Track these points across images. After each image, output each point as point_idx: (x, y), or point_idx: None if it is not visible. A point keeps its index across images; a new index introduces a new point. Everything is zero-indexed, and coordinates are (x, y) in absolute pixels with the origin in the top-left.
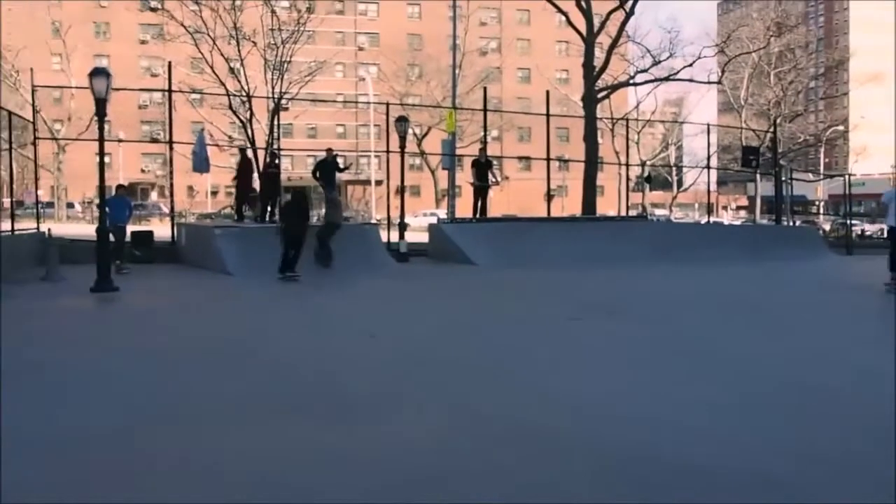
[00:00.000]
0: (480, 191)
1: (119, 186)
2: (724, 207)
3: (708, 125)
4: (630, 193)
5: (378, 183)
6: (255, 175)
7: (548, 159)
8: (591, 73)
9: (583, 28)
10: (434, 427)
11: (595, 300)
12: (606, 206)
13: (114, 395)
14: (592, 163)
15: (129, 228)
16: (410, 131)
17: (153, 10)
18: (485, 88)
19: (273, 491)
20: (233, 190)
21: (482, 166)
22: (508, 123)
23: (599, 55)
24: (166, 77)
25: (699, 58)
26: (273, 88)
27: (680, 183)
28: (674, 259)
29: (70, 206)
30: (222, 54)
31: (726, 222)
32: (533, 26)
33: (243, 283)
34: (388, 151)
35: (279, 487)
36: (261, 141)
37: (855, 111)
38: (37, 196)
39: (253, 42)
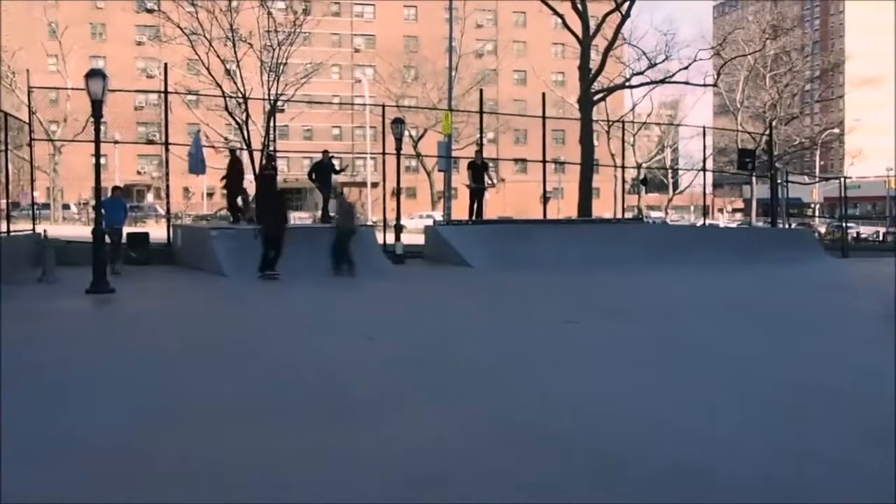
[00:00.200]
0: (476, 193)
1: (115, 188)
2: (720, 210)
3: (704, 128)
4: (626, 196)
5: (374, 185)
6: (248, 177)
7: (544, 161)
8: (587, 76)
9: (579, 30)
10: (433, 428)
11: (592, 302)
12: (602, 208)
13: (112, 395)
14: (588, 165)
15: (125, 230)
16: (406, 133)
17: (149, 11)
18: (481, 90)
19: (273, 492)
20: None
21: (478, 168)
22: (504, 125)
23: (595, 57)
24: (162, 78)
25: (695, 60)
26: (269, 90)
27: (676, 185)
28: (670, 261)
29: (66, 207)
30: (218, 56)
31: (722, 225)
32: (529, 29)
33: (239, 284)
34: (384, 153)
35: (279, 488)
36: (257, 143)
37: (850, 114)
38: (32, 197)
39: (249, 44)
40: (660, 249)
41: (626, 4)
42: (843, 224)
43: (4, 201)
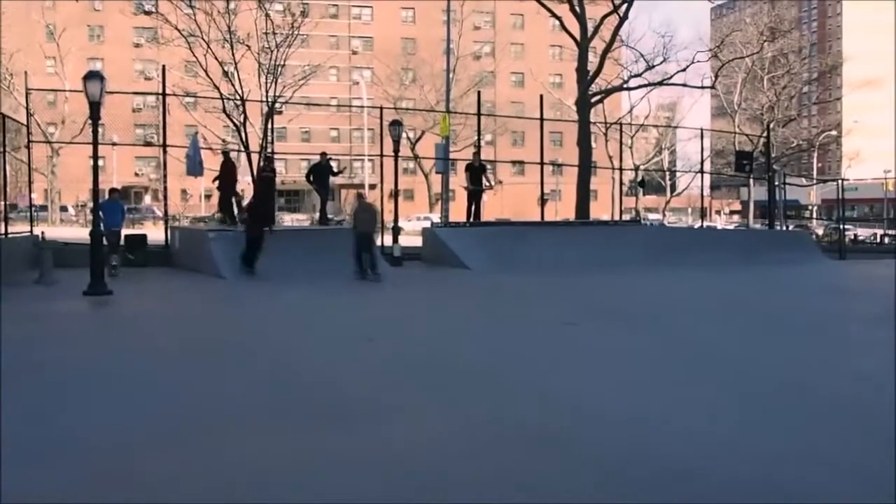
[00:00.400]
0: (474, 195)
1: (112, 190)
2: (718, 212)
3: (701, 130)
4: (623, 198)
5: (372, 187)
6: (247, 178)
7: (541, 163)
8: (584, 78)
9: (576, 32)
10: (433, 429)
11: (590, 304)
12: (600, 210)
13: (111, 396)
14: (586, 167)
15: (123, 232)
16: (404, 135)
17: (147, 13)
18: (478, 92)
19: (273, 492)
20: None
21: (476, 170)
22: (502, 127)
23: (593, 59)
24: (160, 80)
25: (693, 62)
26: (267, 92)
27: (673, 187)
28: (667, 263)
29: (63, 209)
30: (216, 58)
31: (719, 227)
32: (527, 31)
33: (237, 286)
34: (381, 155)
35: (279, 488)
36: (255, 145)
37: (848, 116)
38: (30, 199)
39: (247, 46)
40: (657, 251)
41: (624, 7)
42: (841, 226)
43: (2, 203)
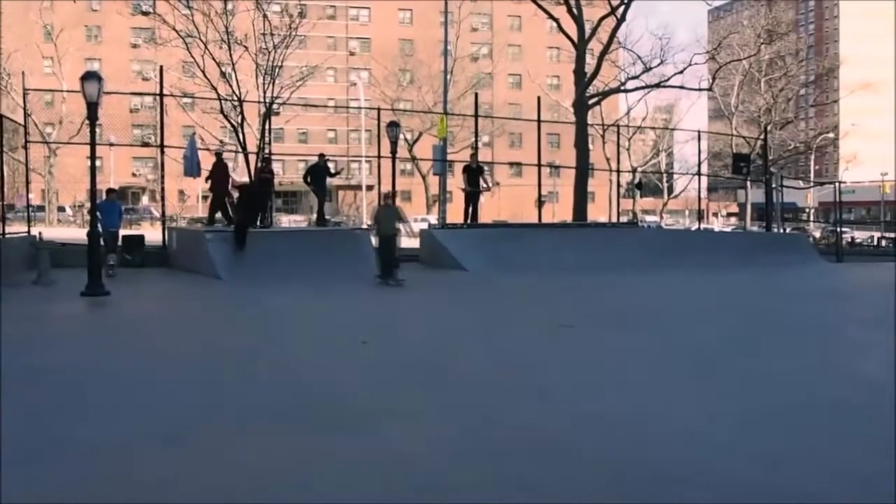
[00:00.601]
0: (471, 196)
1: (110, 190)
2: (715, 214)
3: (699, 132)
4: (621, 200)
5: (369, 188)
6: (244, 179)
7: (539, 165)
8: (582, 80)
9: (574, 34)
10: (432, 431)
11: (588, 306)
12: (597, 212)
13: (110, 397)
14: (583, 169)
15: (121, 233)
16: (402, 136)
17: (145, 14)
18: (476, 94)
19: (273, 493)
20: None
21: (473, 172)
22: (500, 129)
23: (590, 61)
24: (158, 81)
25: (690, 65)
26: (264, 93)
27: (670, 189)
28: (665, 265)
29: (61, 209)
30: (214, 59)
31: (717, 229)
32: (524, 32)
33: (234, 287)
34: (379, 157)
35: (279, 489)
36: (252, 145)
37: (845, 119)
38: (28, 200)
39: (244, 46)
40: (654, 253)
41: (622, 9)
42: (838, 228)
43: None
